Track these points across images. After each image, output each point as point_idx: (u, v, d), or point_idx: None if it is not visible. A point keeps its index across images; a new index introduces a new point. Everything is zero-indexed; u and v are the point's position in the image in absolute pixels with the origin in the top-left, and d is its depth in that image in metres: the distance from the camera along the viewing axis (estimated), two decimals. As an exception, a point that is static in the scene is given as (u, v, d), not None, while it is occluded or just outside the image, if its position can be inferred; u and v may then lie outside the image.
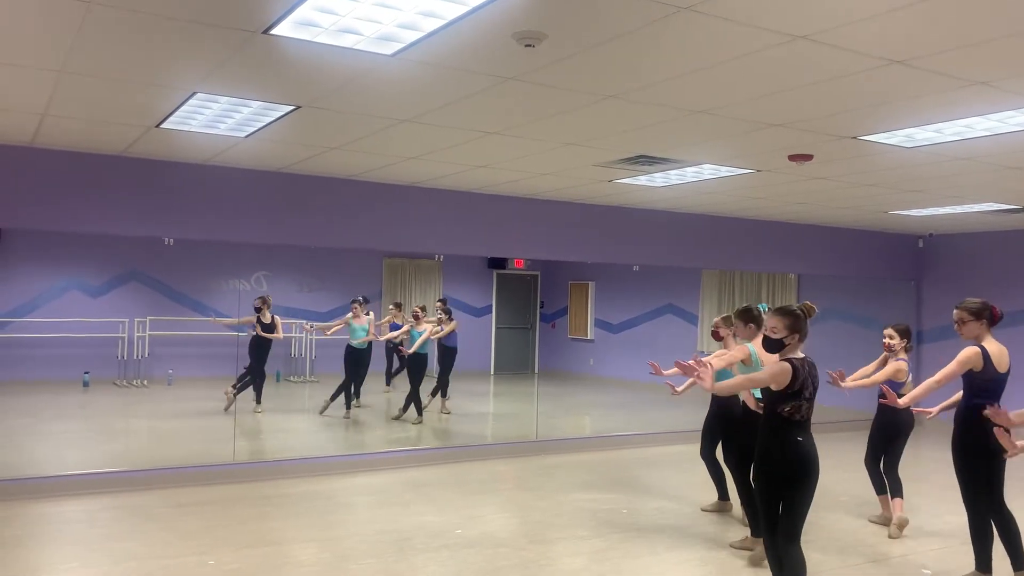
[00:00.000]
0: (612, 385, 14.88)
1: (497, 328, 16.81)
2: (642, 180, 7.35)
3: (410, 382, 10.22)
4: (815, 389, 3.95)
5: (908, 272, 11.46)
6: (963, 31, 3.41)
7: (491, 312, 16.73)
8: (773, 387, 3.90)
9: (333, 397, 10.32)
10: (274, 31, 3.59)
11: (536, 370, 16.85)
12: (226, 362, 11.33)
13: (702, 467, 8.64)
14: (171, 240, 8.17)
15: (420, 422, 10.09)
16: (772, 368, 3.92)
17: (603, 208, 9.08)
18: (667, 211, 9.42)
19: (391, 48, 3.81)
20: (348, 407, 10.45)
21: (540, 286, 17.37)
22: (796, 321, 3.95)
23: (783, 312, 3.99)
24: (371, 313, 10.92)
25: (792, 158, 6.07)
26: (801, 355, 3.96)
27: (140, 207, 6.88)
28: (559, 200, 8.74)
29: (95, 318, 12.98)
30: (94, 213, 6.73)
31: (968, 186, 7.22)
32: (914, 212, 8.98)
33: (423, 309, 10.55)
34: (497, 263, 16.32)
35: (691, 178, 7.19)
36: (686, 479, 7.77)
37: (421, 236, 8.17)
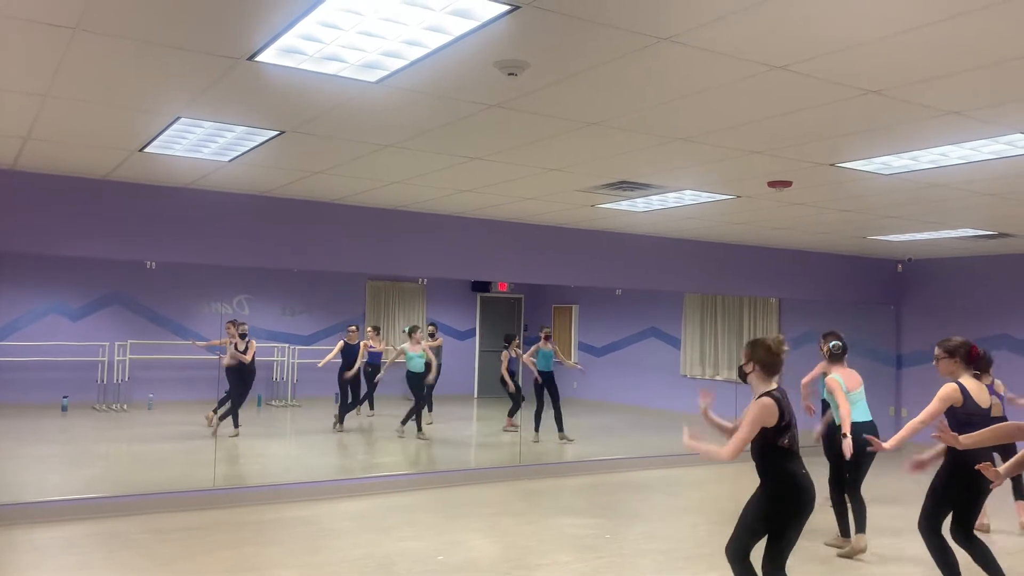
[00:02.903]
0: (596, 408, 14.87)
1: (481, 351, 16.77)
2: (624, 205, 7.41)
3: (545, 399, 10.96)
4: (793, 415, 4.04)
5: (887, 297, 11.58)
6: (936, 62, 3.49)
7: (475, 335, 16.72)
8: (767, 425, 3.93)
9: (406, 420, 10.80)
10: (259, 58, 3.62)
11: (520, 394, 16.80)
12: (207, 386, 11.25)
13: (687, 491, 8.69)
14: (153, 264, 8.15)
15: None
16: (752, 410, 3.96)
17: (586, 232, 9.14)
18: (649, 236, 9.49)
19: (375, 75, 3.85)
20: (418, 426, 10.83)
21: (524, 309, 17.39)
22: (754, 350, 4.05)
23: (748, 343, 4.14)
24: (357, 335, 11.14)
25: (772, 184, 6.15)
26: (774, 386, 4.04)
27: (123, 231, 6.86)
28: (542, 224, 8.79)
29: (75, 341, 12.86)
30: (76, 236, 6.70)
31: (945, 212, 7.33)
32: (892, 237, 9.10)
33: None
34: (481, 286, 16.33)
35: (672, 203, 7.26)
36: (671, 504, 7.78)
37: (405, 260, 8.18)
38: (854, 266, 11.18)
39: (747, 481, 9.34)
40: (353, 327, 11.67)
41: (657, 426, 13.13)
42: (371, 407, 12.56)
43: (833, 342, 6.37)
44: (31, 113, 4.69)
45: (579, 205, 7.47)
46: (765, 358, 4.03)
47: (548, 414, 11.04)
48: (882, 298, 11.55)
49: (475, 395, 16.50)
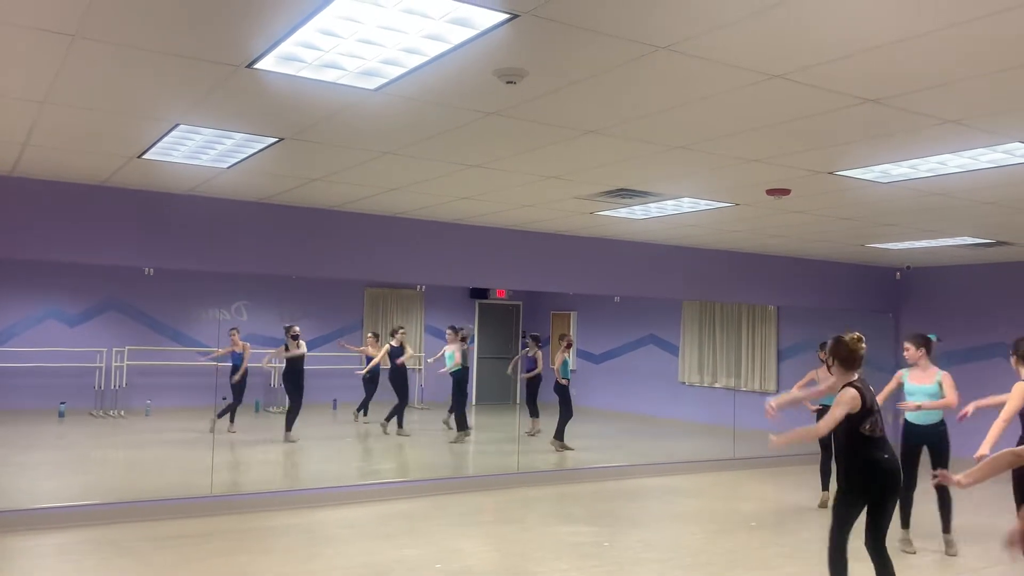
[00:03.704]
0: (594, 416, 14.85)
1: (479, 358, 16.76)
2: (623, 213, 7.41)
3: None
4: (875, 403, 4.49)
5: (885, 304, 11.58)
6: (934, 71, 3.50)
7: (473, 342, 16.70)
8: (850, 412, 4.39)
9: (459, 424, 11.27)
10: (258, 65, 3.62)
11: (518, 401, 16.78)
12: (205, 393, 11.23)
13: (685, 499, 8.67)
14: (151, 270, 8.16)
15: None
16: (840, 397, 4.44)
17: (585, 239, 9.14)
18: (648, 243, 9.49)
19: (374, 83, 3.85)
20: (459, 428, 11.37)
21: (522, 316, 17.38)
22: (833, 346, 4.57)
23: (831, 341, 4.63)
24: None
25: (770, 192, 6.15)
26: (856, 376, 4.51)
27: (121, 237, 6.85)
28: (541, 231, 8.79)
29: (73, 347, 12.83)
30: (75, 243, 6.69)
31: (943, 220, 7.34)
32: (891, 245, 9.10)
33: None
34: (479, 293, 16.33)
35: (671, 211, 7.26)
36: (669, 511, 7.76)
37: (403, 266, 8.18)
38: (852, 274, 11.18)
39: (746, 490, 9.35)
40: (402, 329, 12.01)
41: (655, 433, 13.12)
42: (365, 413, 12.56)
43: (928, 337, 6.46)
44: (30, 119, 4.69)
45: (578, 212, 7.48)
46: (844, 354, 4.51)
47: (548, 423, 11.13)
48: (880, 306, 11.55)
49: (473, 402, 16.47)
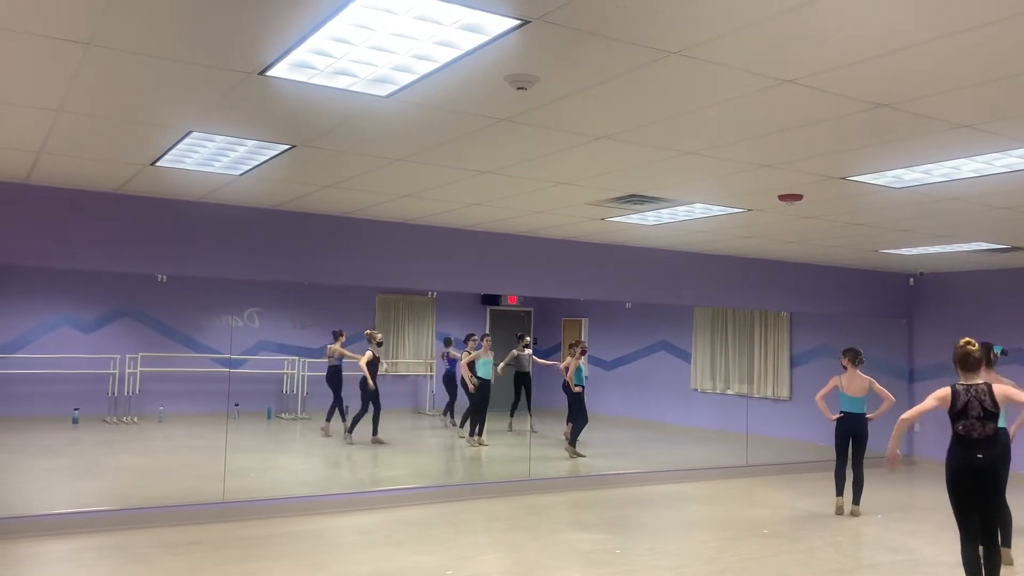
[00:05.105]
0: (606, 423, 14.81)
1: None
2: (634, 219, 7.40)
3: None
4: (985, 411, 4.78)
5: (899, 310, 11.51)
6: (946, 76, 3.48)
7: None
8: (942, 407, 4.89)
9: (475, 427, 11.47)
10: (270, 72, 3.64)
11: (530, 407, 16.76)
12: (218, 399, 11.28)
13: (696, 507, 8.63)
14: (164, 277, 8.20)
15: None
16: (936, 391, 4.95)
17: (596, 245, 9.13)
18: (660, 249, 9.47)
19: (386, 90, 3.86)
20: (479, 433, 11.57)
21: (533, 322, 17.36)
22: (953, 353, 4.98)
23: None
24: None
25: (782, 198, 6.13)
26: (966, 382, 4.88)
27: (134, 244, 6.89)
28: (552, 237, 8.79)
29: (86, 354, 12.91)
30: (89, 250, 6.74)
31: (957, 226, 7.29)
32: (904, 251, 9.05)
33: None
34: (490, 299, 16.33)
35: (683, 217, 7.24)
36: (681, 519, 7.72)
37: (415, 273, 8.19)
38: (866, 279, 11.12)
39: (760, 497, 9.31)
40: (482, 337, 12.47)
41: (667, 440, 13.07)
42: (452, 416, 13.07)
43: (992, 348, 6.21)
44: (44, 127, 4.72)
45: (589, 218, 7.47)
46: (957, 357, 4.94)
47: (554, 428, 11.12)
48: (894, 311, 11.48)
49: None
